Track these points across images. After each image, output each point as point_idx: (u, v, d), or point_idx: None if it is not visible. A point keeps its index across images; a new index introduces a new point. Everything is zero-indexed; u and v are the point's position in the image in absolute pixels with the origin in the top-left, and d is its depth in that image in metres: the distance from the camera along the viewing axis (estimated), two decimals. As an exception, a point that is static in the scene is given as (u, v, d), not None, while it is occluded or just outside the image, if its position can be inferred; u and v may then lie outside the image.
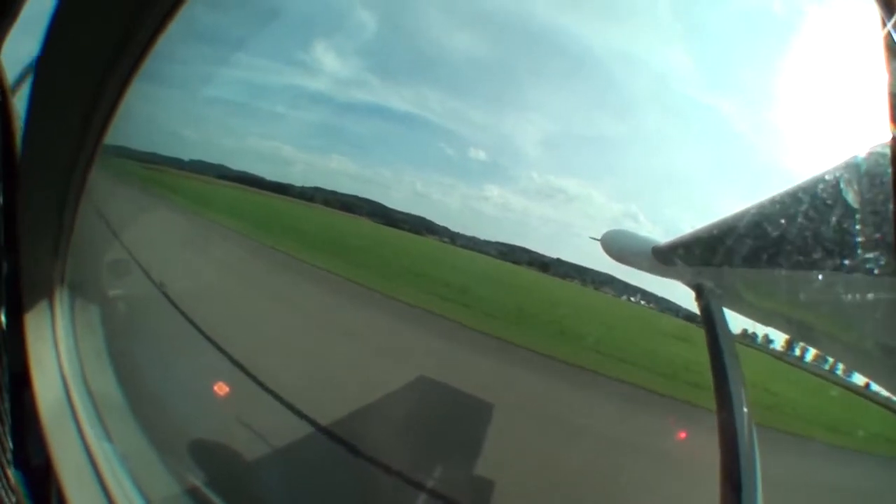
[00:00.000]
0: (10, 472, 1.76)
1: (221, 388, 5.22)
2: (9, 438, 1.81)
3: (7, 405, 1.87)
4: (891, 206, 1.63)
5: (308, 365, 7.66)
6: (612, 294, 20.41)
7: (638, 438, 7.78)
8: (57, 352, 2.12)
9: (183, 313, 6.69)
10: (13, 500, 1.74)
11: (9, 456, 1.77)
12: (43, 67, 1.69)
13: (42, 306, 2.08)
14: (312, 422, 5.65)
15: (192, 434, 3.33)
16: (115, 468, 2.07)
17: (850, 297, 2.14)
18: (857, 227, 1.82)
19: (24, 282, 1.96)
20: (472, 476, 5.74)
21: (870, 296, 2.01)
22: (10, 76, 1.78)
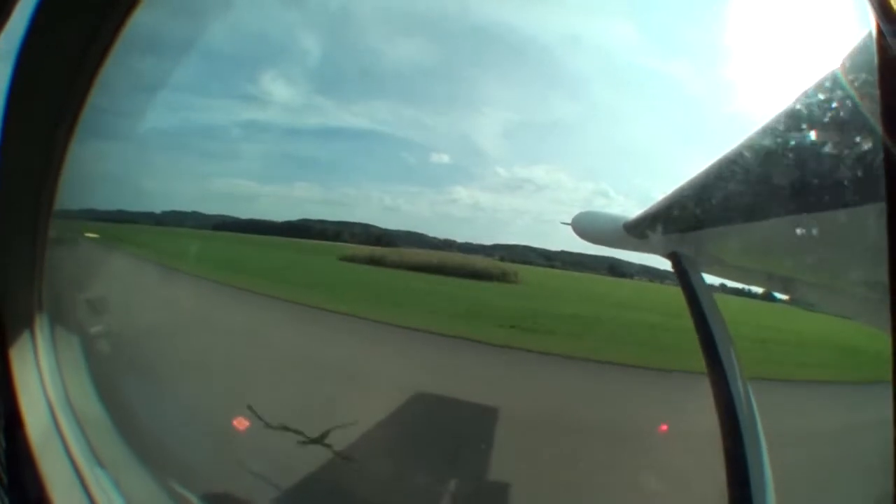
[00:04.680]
0: None
1: (210, 407, 5.10)
2: (5, 475, 1.74)
3: (3, 446, 1.81)
4: (840, 142, 1.72)
5: (303, 393, 7.49)
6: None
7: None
8: (42, 383, 2.07)
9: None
10: None
11: (5, 499, 1.71)
12: None
13: (24, 338, 2.03)
14: (306, 442, 5.48)
15: (183, 451, 3.26)
16: (109, 494, 2.00)
17: (821, 235, 2.22)
18: (815, 166, 1.89)
19: (6, 315, 1.92)
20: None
21: (840, 231, 2.09)
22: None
